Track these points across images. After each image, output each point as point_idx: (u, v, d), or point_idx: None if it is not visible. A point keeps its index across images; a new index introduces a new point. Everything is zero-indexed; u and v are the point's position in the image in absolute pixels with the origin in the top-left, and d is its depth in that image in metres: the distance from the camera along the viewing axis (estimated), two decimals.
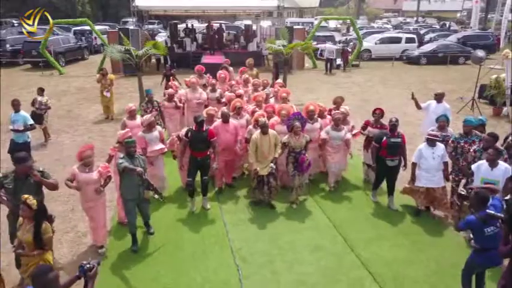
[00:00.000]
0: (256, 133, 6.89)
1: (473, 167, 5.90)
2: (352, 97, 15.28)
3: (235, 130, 7.42)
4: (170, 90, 9.50)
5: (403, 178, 7.35)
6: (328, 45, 21.36)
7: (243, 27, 25.89)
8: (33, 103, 10.05)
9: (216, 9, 23.29)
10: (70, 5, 38.97)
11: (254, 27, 25.18)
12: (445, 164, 6.61)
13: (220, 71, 11.28)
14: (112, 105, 12.39)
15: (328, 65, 21.04)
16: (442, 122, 7.18)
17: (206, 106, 9.37)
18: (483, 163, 5.75)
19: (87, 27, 24.26)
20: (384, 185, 7.37)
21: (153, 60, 22.00)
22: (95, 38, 26.27)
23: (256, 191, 7.10)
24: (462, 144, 6.62)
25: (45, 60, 20.28)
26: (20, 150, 7.45)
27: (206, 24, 23.55)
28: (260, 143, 6.79)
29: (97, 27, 25.68)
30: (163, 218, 6.86)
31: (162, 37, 24.81)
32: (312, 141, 7.36)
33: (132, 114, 7.89)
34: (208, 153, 6.90)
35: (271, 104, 8.44)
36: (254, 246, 6.12)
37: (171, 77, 13.23)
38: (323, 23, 39.19)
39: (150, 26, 33.11)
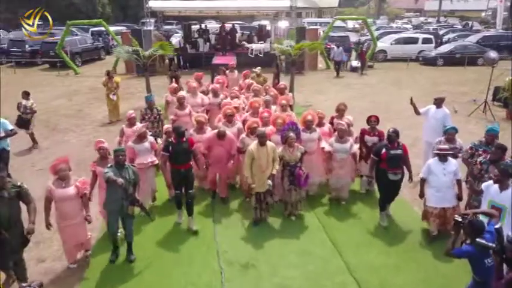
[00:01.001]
0: (253, 144, 6.30)
1: (483, 186, 5.29)
2: (362, 99, 15.05)
3: (229, 144, 6.97)
4: (180, 94, 8.95)
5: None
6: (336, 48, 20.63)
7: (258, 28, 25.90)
8: (18, 107, 9.81)
9: (230, 10, 23.37)
10: (91, 6, 39.76)
11: (268, 28, 25.14)
12: (459, 181, 6.03)
13: (217, 76, 10.90)
14: (118, 107, 12.27)
15: (337, 67, 20.37)
16: (451, 134, 6.63)
17: (207, 111, 9.22)
18: (493, 183, 5.16)
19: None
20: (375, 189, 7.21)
21: (166, 60, 22.18)
22: (112, 38, 26.74)
23: (257, 211, 6.59)
24: (480, 152, 6.07)
25: (62, 60, 20.75)
26: None
27: (220, 25, 23.64)
28: (257, 155, 6.18)
29: (115, 28, 26.19)
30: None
31: (177, 37, 25.06)
32: (309, 152, 6.89)
33: (131, 122, 7.50)
34: (191, 163, 6.52)
35: (267, 110, 7.97)
36: (241, 249, 6.09)
37: (177, 79, 13.35)
38: (341, 23, 39.02)
39: (168, 27, 33.53)
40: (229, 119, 7.44)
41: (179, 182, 6.42)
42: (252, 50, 20.66)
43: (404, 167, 6.44)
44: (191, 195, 6.45)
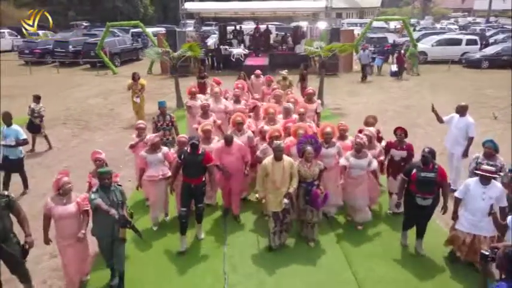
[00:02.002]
0: (269, 158, 5.80)
1: (508, 220, 4.60)
2: (394, 102, 14.54)
3: (239, 152, 6.50)
4: (204, 102, 8.43)
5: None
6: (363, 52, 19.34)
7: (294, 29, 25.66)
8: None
9: (265, 11, 23.34)
10: (133, 9, 41.10)
11: (304, 29, 24.86)
12: (502, 210, 5.03)
13: (236, 81, 10.51)
14: (142, 110, 12.08)
15: (363, 71, 19.03)
16: (488, 148, 5.90)
17: (228, 119, 8.72)
18: None
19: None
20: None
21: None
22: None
23: (276, 237, 5.97)
24: None
25: (102, 61, 21.49)
26: (13, 166, 7.61)
27: (254, 26, 23.65)
28: (271, 170, 5.65)
29: (154, 29, 26.82)
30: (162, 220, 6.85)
31: (213, 38, 25.33)
32: (327, 169, 6.22)
33: (140, 132, 7.13)
34: (204, 179, 6.09)
35: (291, 119, 7.43)
36: (247, 254, 5.96)
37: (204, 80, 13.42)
38: (383, 24, 37.96)
39: (207, 28, 33.98)
40: (239, 127, 7.01)
41: (187, 196, 6.02)
42: (233, 54, 20.65)
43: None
44: (200, 208, 6.16)
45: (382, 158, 6.64)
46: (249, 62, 19.20)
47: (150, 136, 6.63)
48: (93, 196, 4.76)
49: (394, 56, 22.14)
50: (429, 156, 5.43)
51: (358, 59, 19.81)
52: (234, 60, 20.47)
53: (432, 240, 6.06)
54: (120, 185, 5.23)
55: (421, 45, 23.67)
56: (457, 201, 5.40)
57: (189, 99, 9.37)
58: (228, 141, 6.42)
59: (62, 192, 4.81)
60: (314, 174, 5.83)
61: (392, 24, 39.52)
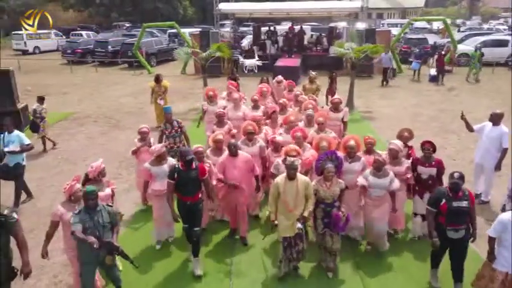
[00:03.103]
0: (282, 176, 5.23)
1: None
2: (429, 106, 13.90)
3: (245, 165, 5.89)
4: (219, 110, 7.79)
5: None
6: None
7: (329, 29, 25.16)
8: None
9: (299, 12, 23.06)
10: (172, 10, 42.00)
11: (340, 29, 24.34)
12: None
13: (260, 85, 9.85)
14: None
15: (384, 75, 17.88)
16: None
17: None
18: None
19: (182, 30, 25.68)
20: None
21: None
22: None
23: (283, 264, 5.37)
24: None
25: (138, 60, 22.02)
26: (12, 174, 7.24)
27: (288, 26, 23.41)
28: (283, 190, 5.11)
29: (191, 30, 27.18)
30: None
31: (248, 39, 25.33)
32: (349, 187, 5.58)
33: (143, 137, 6.79)
34: (200, 195, 5.55)
35: (300, 128, 6.70)
36: (255, 260, 5.82)
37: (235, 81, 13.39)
38: (425, 25, 36.60)
39: (245, 28, 34.09)
40: (250, 137, 6.44)
41: (185, 215, 5.48)
42: (245, 66, 20.28)
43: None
44: (196, 234, 5.45)
45: (409, 175, 5.89)
46: (281, 63, 18.98)
47: (155, 146, 6.10)
48: (72, 220, 4.34)
49: (434, 58, 21.18)
50: (460, 183, 4.71)
51: (379, 61, 18.30)
52: (246, 71, 20.29)
53: None
54: (110, 205, 4.84)
55: (464, 47, 22.53)
56: (492, 241, 4.62)
57: (206, 103, 8.86)
58: (232, 151, 5.83)
59: (74, 199, 4.68)
60: (334, 194, 5.23)
61: (436, 25, 38.02)
